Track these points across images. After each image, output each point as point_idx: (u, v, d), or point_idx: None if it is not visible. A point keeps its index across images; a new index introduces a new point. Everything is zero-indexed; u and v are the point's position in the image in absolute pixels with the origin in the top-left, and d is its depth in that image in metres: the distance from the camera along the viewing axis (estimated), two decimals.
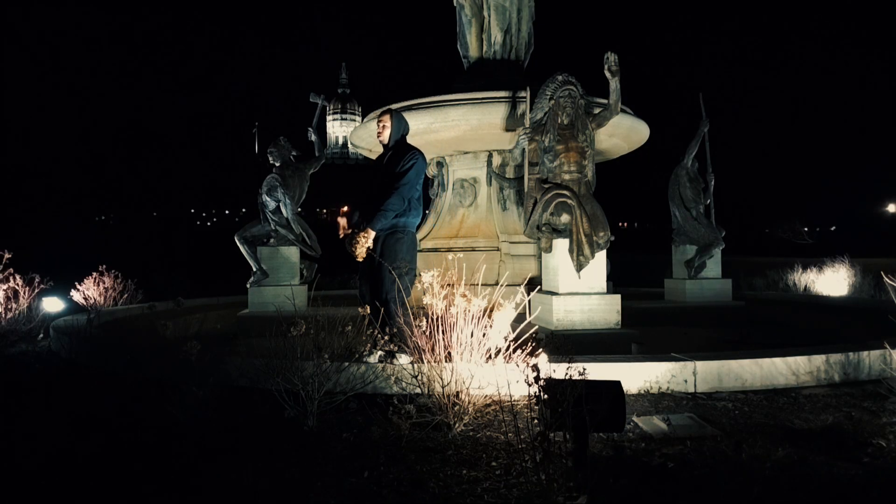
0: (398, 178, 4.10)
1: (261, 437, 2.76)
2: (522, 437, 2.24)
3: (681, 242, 7.69)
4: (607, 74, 5.06)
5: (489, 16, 7.52)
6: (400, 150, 4.28)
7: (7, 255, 6.43)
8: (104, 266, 7.75)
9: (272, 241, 7.21)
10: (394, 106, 6.85)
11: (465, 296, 2.94)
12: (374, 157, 8.12)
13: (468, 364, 2.96)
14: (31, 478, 2.38)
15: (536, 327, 3.14)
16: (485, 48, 7.65)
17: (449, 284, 3.04)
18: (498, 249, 6.92)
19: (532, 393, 2.11)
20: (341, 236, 4.17)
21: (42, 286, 6.68)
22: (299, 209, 7.40)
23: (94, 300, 7.39)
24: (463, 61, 7.99)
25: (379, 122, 4.41)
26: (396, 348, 3.44)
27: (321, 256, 7.45)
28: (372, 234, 4.00)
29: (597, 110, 5.47)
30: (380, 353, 3.58)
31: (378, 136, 4.43)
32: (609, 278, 5.40)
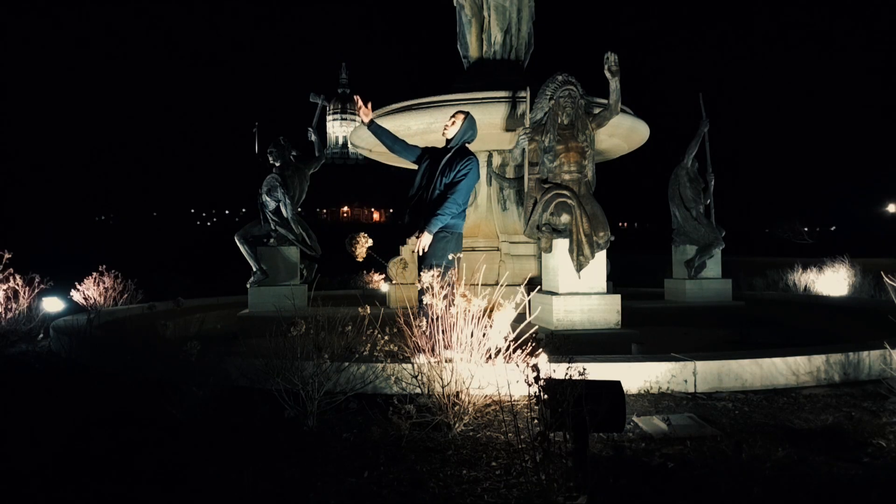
0: (455, 185, 4.24)
1: (261, 437, 2.76)
2: (522, 437, 2.24)
3: (681, 242, 7.69)
4: (607, 74, 5.06)
5: (489, 16, 7.51)
6: (458, 155, 4.37)
7: (7, 255, 6.42)
8: (104, 266, 7.74)
9: (272, 241, 7.21)
10: (394, 105, 6.85)
11: (465, 296, 2.94)
12: (373, 157, 8.11)
13: (468, 364, 2.96)
14: (31, 478, 2.38)
15: (536, 327, 3.14)
16: (485, 48, 7.64)
17: (449, 284, 3.04)
18: (498, 249, 6.92)
19: (532, 393, 2.11)
20: (414, 251, 4.26)
21: (42, 286, 6.67)
22: (299, 209, 7.40)
23: (94, 300, 7.39)
24: (463, 61, 7.98)
25: (452, 117, 4.51)
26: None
27: (321, 256, 7.44)
28: (428, 238, 4.15)
29: (597, 110, 5.46)
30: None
31: (444, 131, 4.51)
32: (609, 278, 5.40)
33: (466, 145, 4.47)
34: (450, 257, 4.09)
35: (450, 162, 4.33)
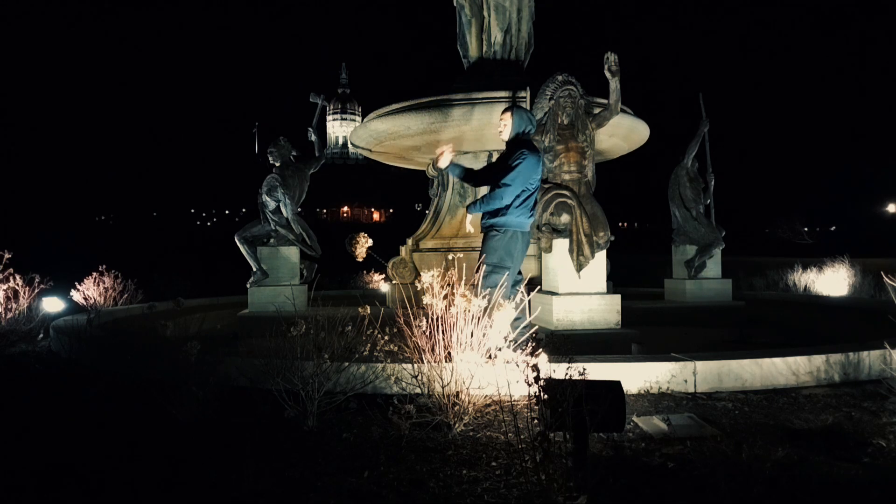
0: (501, 177, 4.19)
1: (261, 437, 2.76)
2: (522, 437, 2.24)
3: (681, 242, 7.69)
4: (607, 74, 5.06)
5: (489, 16, 7.51)
6: (511, 148, 4.31)
7: (7, 255, 6.42)
8: (104, 266, 7.74)
9: (272, 241, 7.21)
10: (394, 105, 6.84)
11: (465, 296, 2.94)
12: (373, 157, 8.14)
13: (468, 364, 2.96)
14: (31, 478, 2.38)
15: (536, 327, 3.14)
16: (485, 48, 7.64)
17: (449, 284, 3.04)
18: None
19: (532, 393, 2.11)
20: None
21: (42, 286, 6.67)
22: (299, 209, 7.39)
23: (94, 300, 7.39)
24: (463, 61, 7.98)
25: (501, 119, 4.47)
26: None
27: (321, 256, 7.45)
28: (462, 211, 4.16)
29: (597, 110, 5.46)
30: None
31: (499, 135, 4.48)
32: (609, 278, 5.40)
33: (526, 137, 4.38)
34: (499, 259, 4.05)
35: (503, 155, 4.33)
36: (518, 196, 4.21)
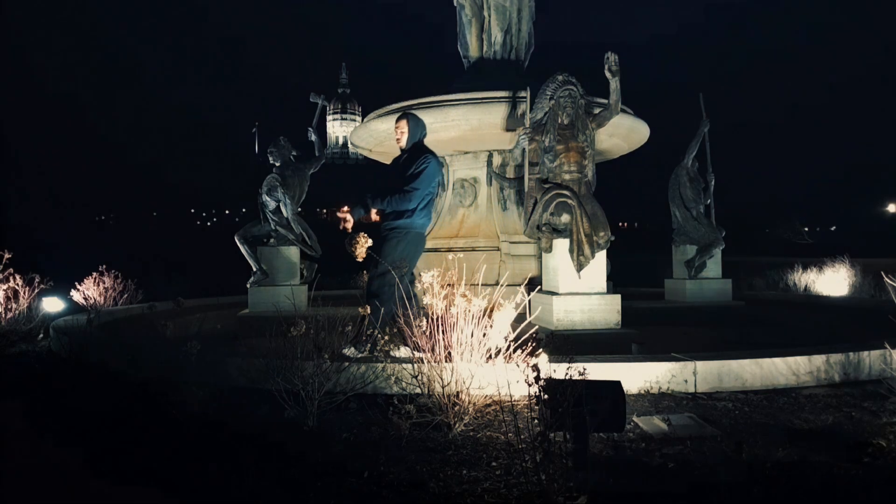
0: (408, 182, 4.27)
1: (261, 437, 2.76)
2: (522, 437, 2.24)
3: (681, 242, 7.68)
4: (607, 74, 5.06)
5: (489, 16, 7.51)
6: (413, 154, 4.41)
7: (7, 255, 6.42)
8: (104, 266, 7.74)
9: (272, 241, 7.21)
10: (394, 105, 6.85)
11: (465, 296, 2.94)
12: (373, 157, 8.13)
13: (468, 364, 2.96)
14: (30, 478, 2.38)
15: (536, 327, 3.14)
16: (485, 48, 7.64)
17: (449, 284, 3.04)
18: (498, 249, 6.91)
19: (532, 393, 2.11)
20: (341, 228, 4.31)
21: (42, 286, 6.67)
22: (299, 209, 7.39)
23: (94, 300, 7.39)
24: (463, 61, 7.98)
25: (396, 127, 4.58)
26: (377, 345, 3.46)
27: (321, 256, 7.44)
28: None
29: (597, 110, 5.46)
30: (352, 348, 3.65)
31: (397, 143, 4.59)
32: (609, 278, 5.40)
33: (423, 142, 4.53)
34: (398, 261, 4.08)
35: (406, 161, 4.42)
36: (422, 199, 4.33)
